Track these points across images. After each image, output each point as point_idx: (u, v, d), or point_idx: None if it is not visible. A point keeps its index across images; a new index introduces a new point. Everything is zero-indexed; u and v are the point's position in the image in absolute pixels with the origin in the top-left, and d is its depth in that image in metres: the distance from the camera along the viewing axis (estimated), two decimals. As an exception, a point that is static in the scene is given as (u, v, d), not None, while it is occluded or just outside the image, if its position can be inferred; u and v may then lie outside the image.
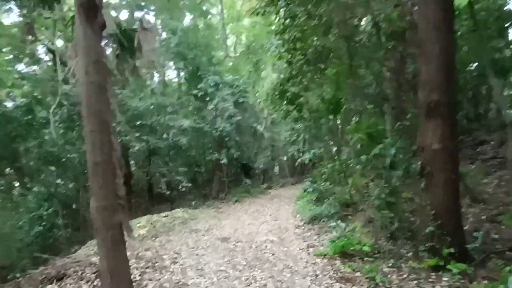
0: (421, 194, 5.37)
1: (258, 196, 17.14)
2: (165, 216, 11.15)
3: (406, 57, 9.15)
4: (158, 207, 17.36)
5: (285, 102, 9.74)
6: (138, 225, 10.36)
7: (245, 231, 9.06)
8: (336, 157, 10.49)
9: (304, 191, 12.79)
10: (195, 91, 14.15)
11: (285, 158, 30.28)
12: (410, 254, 5.73)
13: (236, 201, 14.90)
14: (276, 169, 28.66)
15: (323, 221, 9.11)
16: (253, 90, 19.69)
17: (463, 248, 4.97)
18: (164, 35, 14.16)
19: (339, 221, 7.79)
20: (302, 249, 7.09)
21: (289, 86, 9.26)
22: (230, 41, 28.65)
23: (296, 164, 14.39)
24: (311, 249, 6.99)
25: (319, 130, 10.76)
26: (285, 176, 28.27)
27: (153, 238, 8.41)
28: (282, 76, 9.06)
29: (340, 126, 10.37)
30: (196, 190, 18.39)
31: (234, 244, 7.64)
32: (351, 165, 10.83)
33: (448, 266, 4.73)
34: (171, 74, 21.65)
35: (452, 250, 4.80)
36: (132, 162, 17.25)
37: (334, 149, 10.99)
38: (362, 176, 7.83)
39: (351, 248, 6.18)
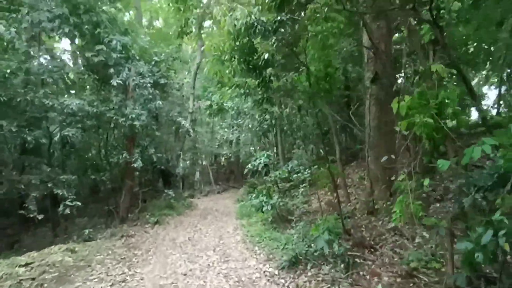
0: None
1: (185, 212, 12.77)
2: (27, 265, 6.19)
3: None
4: (33, 233, 11.68)
5: (250, 67, 5.79)
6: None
7: (183, 296, 4.88)
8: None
9: (259, 210, 9.08)
10: (89, 54, 9.16)
11: (204, 162, 26.56)
12: None
13: (156, 222, 10.32)
14: (197, 174, 24.73)
15: (314, 267, 5.51)
16: (180, 72, 15.29)
17: None
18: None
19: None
20: None
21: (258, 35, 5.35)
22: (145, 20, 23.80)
23: (245, 171, 10.49)
24: None
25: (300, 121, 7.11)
26: (208, 183, 24.42)
27: None
28: (255, 13, 5.10)
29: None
30: (96, 206, 13.07)
31: None
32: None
33: None
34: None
35: None
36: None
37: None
38: (416, 199, 4.40)
39: None
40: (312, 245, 6.28)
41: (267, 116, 8.05)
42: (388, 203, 7.81)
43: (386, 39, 8.11)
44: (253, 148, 23.10)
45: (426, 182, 3.36)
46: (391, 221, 6.93)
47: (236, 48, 5.83)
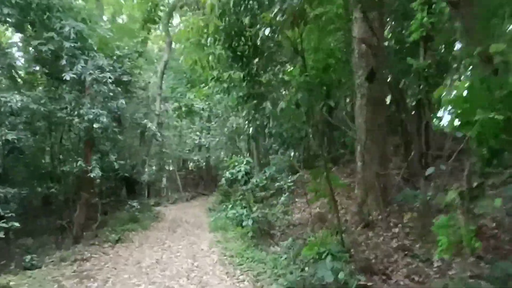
0: None
1: (151, 225, 11.36)
2: None
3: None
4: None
5: (237, 54, 4.70)
6: None
7: None
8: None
9: (239, 226, 8.01)
10: (35, 42, 7.69)
11: (171, 167, 25.06)
12: None
13: (118, 240, 8.90)
14: (164, 181, 23.27)
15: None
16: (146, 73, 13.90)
17: None
18: None
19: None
20: None
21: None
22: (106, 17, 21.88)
23: (224, 179, 9.31)
24: None
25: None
26: (176, 190, 23.02)
27: None
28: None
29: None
30: (48, 221, 11.27)
31: None
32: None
33: None
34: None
35: None
36: None
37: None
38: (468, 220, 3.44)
39: None
40: (306, 269, 5.32)
41: (257, 115, 7.04)
42: (385, 214, 7.08)
43: (379, 33, 7.42)
44: (223, 153, 21.91)
45: (498, 202, 2.47)
46: (394, 238, 6.18)
47: (221, 29, 4.72)
